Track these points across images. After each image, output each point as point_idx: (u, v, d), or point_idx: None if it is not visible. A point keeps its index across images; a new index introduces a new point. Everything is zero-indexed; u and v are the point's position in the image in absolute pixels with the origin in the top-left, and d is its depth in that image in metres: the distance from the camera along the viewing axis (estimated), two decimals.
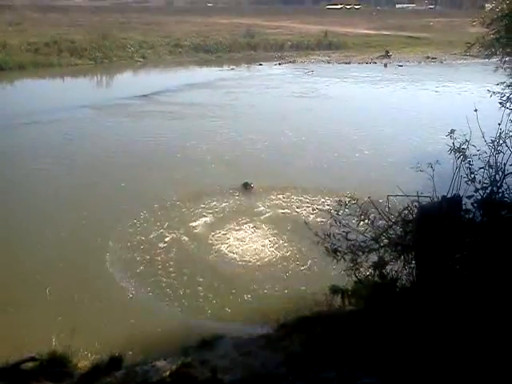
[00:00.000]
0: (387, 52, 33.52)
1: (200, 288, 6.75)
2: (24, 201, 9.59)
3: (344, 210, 4.82)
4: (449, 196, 4.47)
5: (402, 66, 29.62)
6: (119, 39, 32.12)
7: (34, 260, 7.53)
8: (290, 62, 30.94)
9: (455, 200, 4.41)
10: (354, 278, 4.91)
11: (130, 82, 25.20)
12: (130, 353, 4.84)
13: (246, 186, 10.01)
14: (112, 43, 30.93)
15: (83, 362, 4.92)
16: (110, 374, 4.32)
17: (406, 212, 4.67)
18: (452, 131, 4.61)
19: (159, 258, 7.52)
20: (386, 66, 30.01)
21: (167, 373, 4.24)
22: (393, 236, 4.74)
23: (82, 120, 15.96)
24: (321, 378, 3.98)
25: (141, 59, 30.18)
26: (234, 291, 6.66)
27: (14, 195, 9.84)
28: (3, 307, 6.29)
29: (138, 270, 7.22)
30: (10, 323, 6.04)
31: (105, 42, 30.62)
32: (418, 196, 4.63)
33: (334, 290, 5.40)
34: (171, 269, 7.24)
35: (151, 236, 8.16)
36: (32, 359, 4.77)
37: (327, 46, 36.69)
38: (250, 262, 7.44)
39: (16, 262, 7.46)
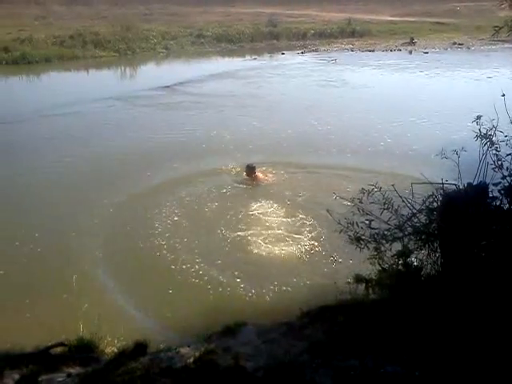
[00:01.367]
0: (412, 39, 32.85)
1: (221, 274, 6.81)
2: (53, 188, 9.85)
3: (367, 198, 4.77)
4: (475, 183, 4.38)
5: (427, 52, 29.02)
6: (142, 31, 32.28)
7: (61, 248, 7.71)
8: (313, 50, 30.63)
9: (481, 187, 4.32)
10: (378, 267, 4.87)
11: (153, 73, 25.35)
12: (155, 339, 4.91)
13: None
14: (135, 35, 31.13)
15: (109, 348, 5.03)
16: (136, 360, 4.39)
17: (431, 200, 4.59)
18: (478, 117, 4.50)
19: (182, 245, 7.63)
20: (410, 53, 29.46)
21: (191, 359, 4.29)
22: (417, 224, 4.67)
23: (107, 111, 16.17)
24: (344, 365, 3.97)
25: (164, 50, 30.28)
26: (256, 278, 6.70)
27: (45, 183, 10.12)
28: (33, 296, 6.48)
29: (162, 254, 7.34)
30: (39, 311, 6.22)
31: (128, 34, 30.85)
32: (443, 183, 4.55)
33: (358, 278, 5.35)
34: (192, 253, 7.33)
35: (176, 222, 8.28)
36: (61, 345, 4.90)
37: (350, 33, 36.13)
38: (271, 248, 7.46)
39: (43, 250, 7.64)
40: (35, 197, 9.56)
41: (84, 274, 6.93)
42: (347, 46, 31.90)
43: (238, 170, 10.44)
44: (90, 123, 14.78)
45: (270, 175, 10.20)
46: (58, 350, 4.87)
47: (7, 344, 4.80)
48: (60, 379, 4.30)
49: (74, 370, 4.53)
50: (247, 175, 10.07)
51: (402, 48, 30.91)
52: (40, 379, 4.27)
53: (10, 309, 6.26)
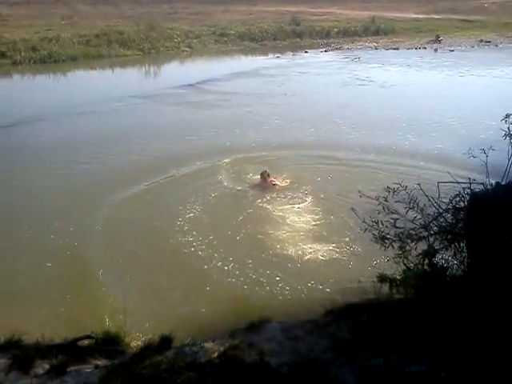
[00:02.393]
0: (438, 36, 32.41)
1: (247, 272, 6.85)
2: (76, 185, 10.03)
3: (392, 197, 4.74)
4: (503, 183, 4.33)
5: (453, 50, 28.58)
6: (166, 30, 32.58)
7: (88, 243, 7.84)
8: (337, 48, 30.47)
9: (510, 187, 4.27)
10: (403, 267, 4.84)
11: (176, 72, 25.58)
12: (180, 334, 4.97)
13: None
14: (159, 34, 31.43)
15: (135, 341, 5.11)
16: (161, 353, 4.46)
17: (458, 199, 4.55)
18: (507, 115, 4.45)
19: (204, 240, 7.70)
20: (436, 51, 29.06)
21: (215, 354, 4.34)
22: (443, 224, 4.63)
23: (132, 109, 16.37)
24: (369, 364, 3.97)
25: (187, 49, 30.47)
26: (281, 277, 6.71)
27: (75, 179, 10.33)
28: (62, 291, 6.61)
29: (188, 251, 7.43)
30: (67, 304, 6.34)
31: (152, 33, 31.17)
32: (470, 183, 4.50)
33: (382, 278, 5.33)
34: (217, 250, 7.41)
35: (200, 221, 8.36)
36: (88, 337, 5.01)
37: (375, 31, 35.84)
38: (295, 247, 7.46)
39: (72, 245, 7.79)
40: (64, 189, 9.77)
41: (110, 269, 7.04)
42: (371, 44, 31.63)
43: (260, 169, 10.41)
44: (115, 121, 14.99)
45: (288, 180, 10.06)
46: (85, 342, 4.98)
47: (37, 334, 4.91)
48: (88, 370, 4.41)
49: (100, 362, 4.63)
50: (263, 182, 9.84)
51: (427, 46, 30.51)
52: (69, 370, 4.38)
53: (43, 300, 6.41)
